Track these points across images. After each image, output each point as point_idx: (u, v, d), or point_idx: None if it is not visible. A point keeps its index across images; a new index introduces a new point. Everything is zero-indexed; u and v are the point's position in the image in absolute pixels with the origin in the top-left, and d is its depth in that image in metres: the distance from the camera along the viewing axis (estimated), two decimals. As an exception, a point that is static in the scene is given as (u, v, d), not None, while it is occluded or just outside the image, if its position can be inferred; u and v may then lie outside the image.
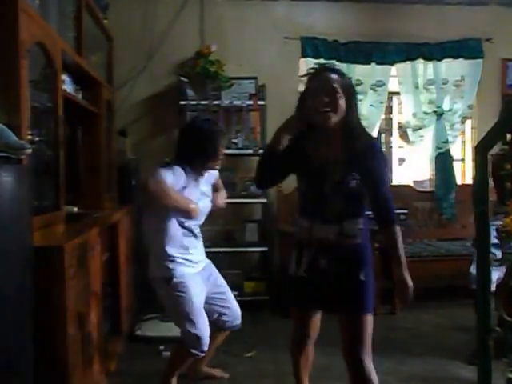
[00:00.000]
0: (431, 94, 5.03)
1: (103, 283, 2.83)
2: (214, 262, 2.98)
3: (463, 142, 5.48)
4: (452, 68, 5.06)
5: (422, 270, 4.46)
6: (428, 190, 5.25)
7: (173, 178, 2.59)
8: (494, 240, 2.98)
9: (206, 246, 2.93)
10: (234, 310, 2.92)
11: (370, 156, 2.05)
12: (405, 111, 5.15)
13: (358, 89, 4.62)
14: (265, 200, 4.57)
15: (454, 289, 4.26)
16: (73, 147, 3.47)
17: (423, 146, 5.16)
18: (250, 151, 4.45)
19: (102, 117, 3.75)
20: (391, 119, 5.48)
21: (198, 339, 2.66)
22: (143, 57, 4.65)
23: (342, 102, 2.04)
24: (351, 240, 2.11)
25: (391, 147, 5.53)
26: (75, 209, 3.17)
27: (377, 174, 2.06)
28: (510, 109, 3.91)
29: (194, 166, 2.74)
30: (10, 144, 1.80)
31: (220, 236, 4.73)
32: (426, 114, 5.05)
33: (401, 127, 5.48)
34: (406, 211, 4.62)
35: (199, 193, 2.78)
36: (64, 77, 2.84)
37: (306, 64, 4.87)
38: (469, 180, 5.25)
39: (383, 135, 5.38)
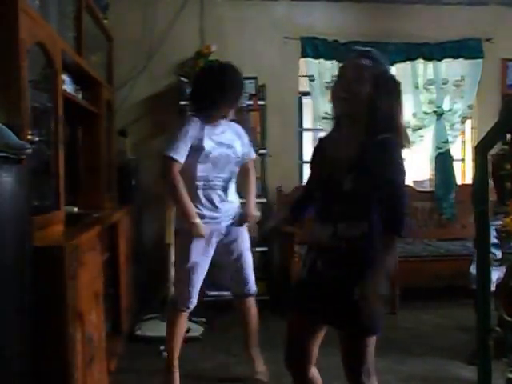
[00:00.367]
0: (431, 94, 5.04)
1: (103, 283, 2.82)
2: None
3: (463, 142, 5.48)
4: (452, 68, 5.07)
5: (422, 270, 4.48)
6: (428, 189, 5.25)
7: (187, 137, 2.70)
8: (493, 240, 2.98)
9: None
10: (241, 282, 2.97)
11: (378, 153, 1.83)
12: (405, 111, 5.13)
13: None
14: (265, 200, 4.57)
15: (453, 289, 4.25)
16: (73, 147, 3.47)
17: (423, 146, 5.16)
18: (250, 151, 4.45)
19: (102, 117, 3.74)
20: (391, 119, 5.47)
21: (181, 293, 2.78)
22: (143, 57, 4.65)
23: (364, 89, 1.85)
24: (348, 244, 1.89)
25: (391, 147, 5.53)
26: (75, 209, 3.17)
27: (384, 173, 1.84)
28: (510, 109, 3.90)
29: (211, 111, 2.77)
30: (10, 144, 1.79)
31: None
32: (426, 114, 5.05)
33: (401, 127, 5.47)
34: (405, 211, 4.62)
35: (214, 142, 2.78)
36: (64, 77, 2.84)
37: (306, 64, 4.89)
38: (469, 180, 5.25)
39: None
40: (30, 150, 1.92)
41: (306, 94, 5.01)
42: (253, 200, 3.01)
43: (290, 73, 4.86)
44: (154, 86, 4.71)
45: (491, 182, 2.89)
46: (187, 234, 2.76)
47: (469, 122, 5.30)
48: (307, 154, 4.83)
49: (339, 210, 1.91)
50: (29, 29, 2.15)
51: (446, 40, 4.99)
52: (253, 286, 3.01)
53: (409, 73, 5.01)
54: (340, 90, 1.89)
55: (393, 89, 1.93)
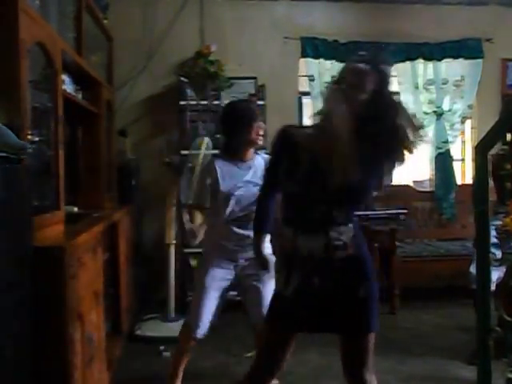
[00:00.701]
0: (431, 94, 5.04)
1: (103, 283, 2.82)
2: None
3: (463, 142, 5.48)
4: (452, 68, 5.07)
5: (422, 270, 4.48)
6: (428, 189, 5.25)
7: (208, 182, 2.73)
8: (493, 240, 2.99)
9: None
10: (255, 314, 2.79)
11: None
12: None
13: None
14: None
15: (453, 289, 4.25)
16: (73, 147, 3.47)
17: (423, 146, 5.15)
18: (250, 151, 4.44)
19: (102, 117, 3.74)
20: (391, 119, 5.48)
21: (190, 320, 2.73)
22: (143, 57, 4.65)
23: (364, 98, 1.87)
24: (343, 252, 1.85)
25: (391, 147, 5.53)
26: (75, 209, 3.17)
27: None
28: (510, 109, 3.91)
29: (231, 150, 2.74)
30: (10, 144, 1.80)
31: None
32: (426, 114, 5.05)
33: (401, 127, 5.47)
34: (405, 211, 4.63)
35: (238, 181, 2.70)
36: (64, 77, 2.84)
37: (306, 64, 4.89)
38: (469, 180, 5.25)
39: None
40: (30, 150, 1.92)
41: (306, 94, 5.01)
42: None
43: (289, 73, 4.86)
44: (153, 86, 4.71)
45: (491, 182, 2.89)
46: (208, 258, 2.76)
47: (469, 122, 5.30)
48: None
49: (329, 212, 1.83)
50: (29, 29, 2.15)
51: (446, 40, 4.99)
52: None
53: (409, 73, 5.01)
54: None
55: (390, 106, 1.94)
